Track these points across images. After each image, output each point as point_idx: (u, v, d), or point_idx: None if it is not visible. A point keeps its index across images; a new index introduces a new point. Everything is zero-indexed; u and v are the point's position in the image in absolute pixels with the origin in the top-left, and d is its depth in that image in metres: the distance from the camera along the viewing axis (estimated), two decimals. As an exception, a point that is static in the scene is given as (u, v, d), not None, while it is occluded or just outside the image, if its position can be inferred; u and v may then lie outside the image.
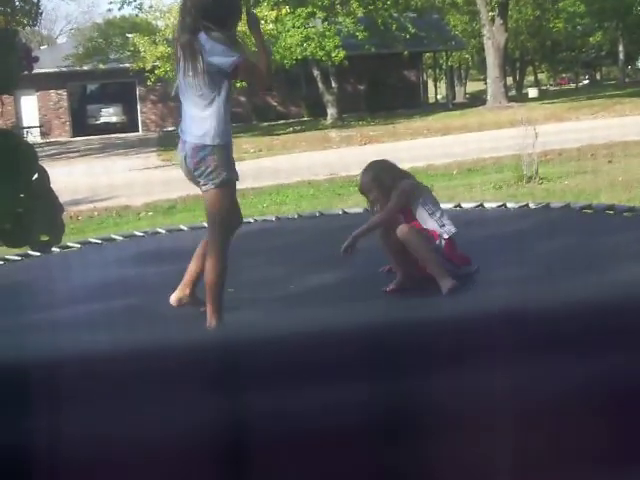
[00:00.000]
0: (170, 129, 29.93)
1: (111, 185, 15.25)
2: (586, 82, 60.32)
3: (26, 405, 0.52)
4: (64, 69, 36.73)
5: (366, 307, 0.63)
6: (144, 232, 8.83)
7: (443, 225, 5.32)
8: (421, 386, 0.56)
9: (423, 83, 44.11)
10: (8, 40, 2.20)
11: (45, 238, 2.19)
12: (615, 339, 0.57)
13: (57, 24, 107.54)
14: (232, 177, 4.66)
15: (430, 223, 5.31)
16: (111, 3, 34.86)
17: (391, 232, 5.24)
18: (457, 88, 55.08)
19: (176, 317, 5.06)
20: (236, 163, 4.76)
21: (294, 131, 30.24)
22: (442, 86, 51.26)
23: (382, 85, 38.04)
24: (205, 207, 4.79)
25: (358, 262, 5.63)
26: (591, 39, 52.43)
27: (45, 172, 2.14)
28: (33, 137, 33.90)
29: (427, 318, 0.61)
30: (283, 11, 31.03)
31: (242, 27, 5.31)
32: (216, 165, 4.54)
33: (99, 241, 8.45)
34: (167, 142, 25.52)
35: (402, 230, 5.17)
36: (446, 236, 5.31)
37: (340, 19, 33.87)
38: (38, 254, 6.62)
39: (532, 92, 49.17)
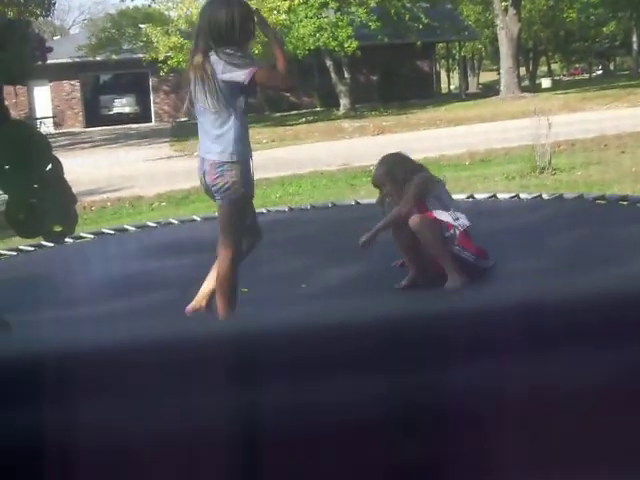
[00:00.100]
0: (183, 119, 29.92)
1: (124, 175, 15.28)
2: (599, 72, 60.11)
3: (36, 399, 0.52)
4: (77, 60, 36.75)
5: (377, 301, 0.63)
6: (157, 223, 8.84)
7: (457, 219, 5.29)
8: (433, 381, 0.56)
9: (436, 73, 43.99)
10: (21, 31, 2.20)
11: (58, 228, 2.19)
12: (636, 331, 0.56)
13: (70, 15, 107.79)
14: (248, 193, 4.69)
15: (444, 216, 5.29)
16: (124, -7, 34.96)
17: (404, 227, 5.21)
18: (470, 78, 55.00)
19: (180, 309, 5.05)
20: (248, 153, 4.77)
21: (307, 121, 30.20)
22: (455, 76, 51.13)
23: (395, 75, 37.96)
24: (219, 220, 4.79)
25: (371, 255, 5.62)
26: (605, 29, 52.22)
27: (59, 162, 2.14)
28: (46, 128, 33.93)
29: (440, 311, 0.61)
30: (296, 1, 30.97)
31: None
32: (234, 181, 4.56)
33: (112, 232, 8.47)
34: (180, 132, 25.58)
35: (414, 220, 5.15)
36: (460, 229, 5.28)
37: (353, 9, 33.81)
38: (51, 244, 6.63)
39: (545, 82, 49.05)
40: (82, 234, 8.01)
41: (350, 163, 14.30)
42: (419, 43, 36.64)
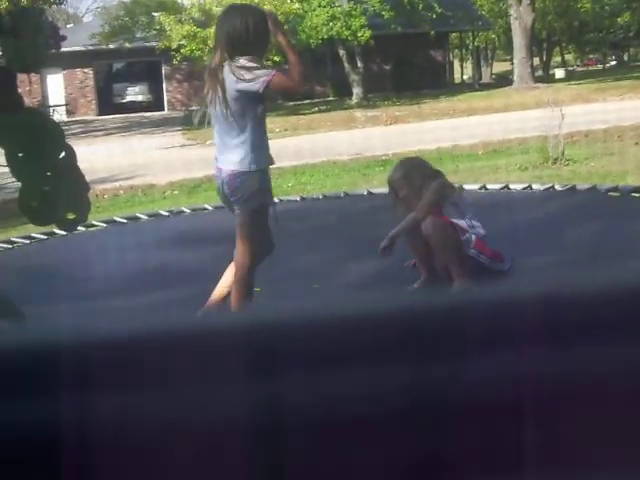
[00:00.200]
0: (196, 108, 29.94)
1: (136, 164, 15.30)
2: (613, 63, 59.84)
3: (52, 389, 0.52)
4: (90, 48, 36.78)
5: (391, 294, 0.63)
6: (169, 211, 8.86)
7: (472, 227, 5.23)
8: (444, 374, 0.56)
9: (449, 63, 43.88)
10: (35, 19, 2.20)
11: (71, 216, 2.19)
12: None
13: (83, 2, 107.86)
14: (267, 202, 4.68)
15: (460, 222, 5.23)
16: (137, -19, 34.97)
17: (417, 231, 5.18)
18: (483, 68, 54.79)
19: (193, 298, 5.06)
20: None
21: (319, 111, 30.18)
22: (468, 66, 51.02)
23: (408, 65, 37.87)
24: (237, 228, 4.73)
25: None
26: (619, 19, 51.95)
27: (72, 150, 2.14)
28: (59, 115, 33.98)
29: (456, 302, 0.61)
30: (309, -10, 30.97)
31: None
32: (252, 192, 4.53)
33: (124, 220, 8.49)
34: (192, 121, 25.54)
35: (426, 223, 5.09)
36: (473, 236, 5.22)
37: (366, -2, 33.77)
38: (64, 232, 6.65)
39: (559, 73, 48.86)
40: (94, 222, 8.03)
41: (362, 153, 14.29)
42: (432, 33, 36.51)
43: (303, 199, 9.19)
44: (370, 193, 8.91)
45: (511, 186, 8.63)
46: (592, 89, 30.08)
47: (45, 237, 7.55)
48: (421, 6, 34.75)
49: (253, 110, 4.53)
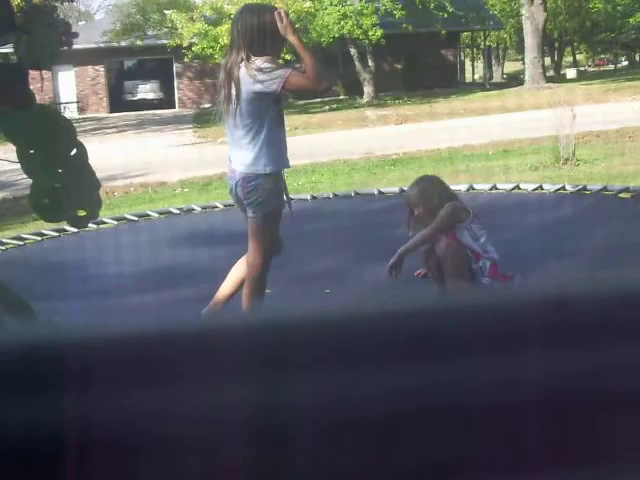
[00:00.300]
0: (207, 106, 29.95)
1: (147, 161, 15.30)
2: (625, 63, 59.69)
3: (59, 386, 0.52)
4: (102, 45, 36.83)
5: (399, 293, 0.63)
6: (179, 209, 8.87)
7: (486, 251, 5.18)
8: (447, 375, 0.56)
9: (460, 63, 43.81)
10: (47, 16, 2.21)
11: (82, 213, 2.20)
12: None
13: (95, 0, 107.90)
14: (281, 205, 4.64)
15: (474, 247, 5.18)
16: (149, -21, 35.01)
17: (431, 250, 5.15)
18: (495, 68, 54.73)
19: (202, 296, 5.06)
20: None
21: (330, 109, 30.17)
22: (479, 66, 50.91)
23: (419, 64, 37.83)
24: (249, 229, 4.68)
25: (391, 246, 5.58)
26: (631, 20, 51.78)
27: (83, 147, 2.15)
28: (70, 112, 34.03)
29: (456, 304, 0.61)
30: (321, -11, 30.96)
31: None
32: (267, 195, 4.49)
33: (135, 217, 8.50)
34: (203, 119, 25.55)
35: (440, 245, 5.05)
36: (488, 263, 5.17)
37: (378, -3, 33.73)
38: (75, 229, 6.66)
39: (570, 73, 48.75)
40: (105, 219, 8.04)
41: (373, 152, 14.28)
42: (444, 32, 36.44)
43: (314, 198, 9.19)
44: (380, 192, 8.90)
45: (522, 186, 8.62)
46: (604, 89, 30.00)
47: (56, 234, 7.57)
48: (433, 5, 34.68)
49: (269, 111, 4.48)
